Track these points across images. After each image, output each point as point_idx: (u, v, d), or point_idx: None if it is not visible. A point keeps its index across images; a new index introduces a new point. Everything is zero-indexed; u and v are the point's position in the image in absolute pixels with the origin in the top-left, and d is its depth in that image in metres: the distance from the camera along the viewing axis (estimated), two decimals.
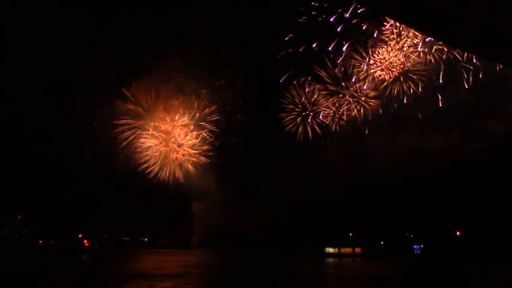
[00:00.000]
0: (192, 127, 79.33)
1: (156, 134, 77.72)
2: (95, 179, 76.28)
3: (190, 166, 79.73)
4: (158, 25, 71.33)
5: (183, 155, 79.39)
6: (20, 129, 73.25)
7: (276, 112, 75.95)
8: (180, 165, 79.51)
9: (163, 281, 43.13)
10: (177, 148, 79.00)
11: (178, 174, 79.57)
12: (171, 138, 78.58)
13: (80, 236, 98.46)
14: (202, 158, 79.62)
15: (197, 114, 78.71)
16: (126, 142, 76.43)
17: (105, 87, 72.05)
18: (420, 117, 68.00)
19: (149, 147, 77.60)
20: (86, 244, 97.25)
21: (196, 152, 79.60)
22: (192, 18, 71.38)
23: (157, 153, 78.41)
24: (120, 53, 70.36)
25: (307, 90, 72.34)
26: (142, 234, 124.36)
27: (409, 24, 21.65)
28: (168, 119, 77.97)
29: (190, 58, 71.25)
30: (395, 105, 67.87)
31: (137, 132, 76.89)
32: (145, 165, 78.07)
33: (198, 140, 79.32)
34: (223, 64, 72.65)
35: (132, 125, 76.38)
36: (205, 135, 79.28)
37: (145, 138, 77.37)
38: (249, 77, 72.02)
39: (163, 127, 77.97)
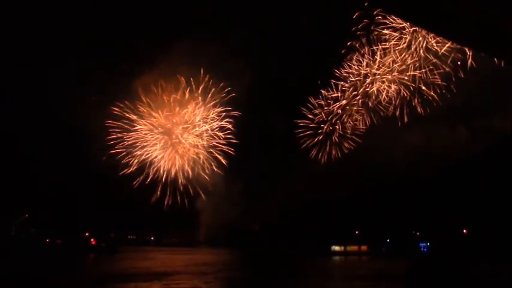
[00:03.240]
0: (198, 123, 79.20)
1: (161, 130, 77.67)
2: (98, 178, 76.58)
3: (196, 163, 79.76)
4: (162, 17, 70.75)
5: (189, 152, 79.39)
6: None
7: (280, 112, 76.15)
8: (186, 163, 79.55)
9: (182, 279, 43.09)
10: (183, 145, 78.94)
11: (185, 171, 79.59)
12: (176, 135, 78.44)
13: (86, 234, 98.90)
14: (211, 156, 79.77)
15: (203, 109, 78.56)
16: (130, 141, 76.60)
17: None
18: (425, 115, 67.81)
19: (154, 145, 77.71)
20: (93, 242, 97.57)
21: (202, 149, 79.63)
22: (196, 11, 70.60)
23: (163, 152, 78.50)
24: (120, 48, 70.13)
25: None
26: (149, 233, 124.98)
27: (410, 21, 21.61)
28: (172, 114, 77.72)
29: (197, 51, 70.08)
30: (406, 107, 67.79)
31: (141, 129, 76.97)
32: (150, 164, 78.42)
33: (204, 137, 79.34)
34: (233, 58, 71.62)
35: (135, 123, 76.47)
36: (211, 132, 79.40)
37: (149, 135, 77.45)
38: (259, 73, 71.57)
39: (167, 123, 77.78)
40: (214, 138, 79.32)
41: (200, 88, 76.43)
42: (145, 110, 76.22)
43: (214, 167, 79.96)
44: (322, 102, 72.87)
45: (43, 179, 79.05)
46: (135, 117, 75.86)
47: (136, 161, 76.97)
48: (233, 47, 67.24)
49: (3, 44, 63.45)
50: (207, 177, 79.95)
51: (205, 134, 79.14)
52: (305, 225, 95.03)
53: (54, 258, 69.88)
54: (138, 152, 77.28)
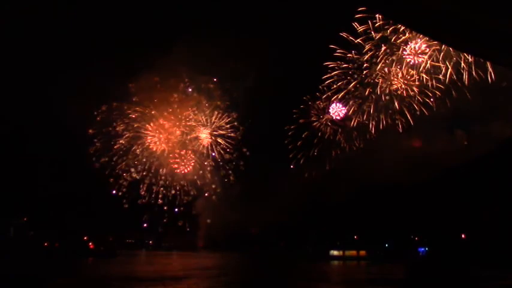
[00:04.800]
0: (198, 126, 78.77)
1: (160, 135, 77.17)
2: (98, 181, 76.28)
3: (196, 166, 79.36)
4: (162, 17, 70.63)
5: (189, 154, 79.00)
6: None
7: (282, 114, 76.16)
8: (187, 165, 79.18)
9: (183, 284, 42.91)
10: (183, 147, 78.51)
11: (184, 173, 79.19)
12: (176, 138, 77.93)
13: (85, 238, 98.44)
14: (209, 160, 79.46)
15: (206, 112, 78.14)
16: (128, 144, 76.21)
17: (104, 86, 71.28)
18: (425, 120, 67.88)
19: (153, 148, 77.22)
20: (91, 246, 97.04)
21: (202, 151, 79.24)
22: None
23: (162, 154, 77.98)
24: (121, 47, 70.02)
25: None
26: (148, 236, 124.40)
27: (409, 25, 21.66)
28: (172, 117, 77.23)
29: (198, 51, 69.47)
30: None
31: (140, 133, 76.55)
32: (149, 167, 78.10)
33: (205, 139, 78.94)
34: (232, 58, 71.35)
35: (134, 126, 75.99)
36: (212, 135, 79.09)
37: (148, 138, 77.02)
38: (259, 74, 71.47)
39: (167, 126, 77.22)
40: (222, 150, 78.44)
41: (201, 89, 76.41)
42: (140, 110, 75.70)
43: (214, 170, 79.34)
44: (322, 105, 72.91)
45: (43, 180, 78.96)
46: (128, 122, 75.19)
47: (126, 182, 76.01)
48: (233, 47, 67.33)
49: (4, 45, 63.63)
50: (214, 197, 79.16)
51: (211, 141, 78.50)
52: (304, 228, 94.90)
53: (52, 261, 69.54)
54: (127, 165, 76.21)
